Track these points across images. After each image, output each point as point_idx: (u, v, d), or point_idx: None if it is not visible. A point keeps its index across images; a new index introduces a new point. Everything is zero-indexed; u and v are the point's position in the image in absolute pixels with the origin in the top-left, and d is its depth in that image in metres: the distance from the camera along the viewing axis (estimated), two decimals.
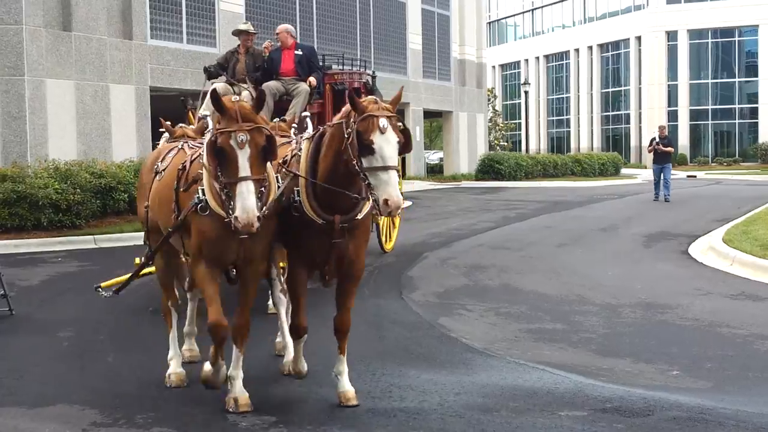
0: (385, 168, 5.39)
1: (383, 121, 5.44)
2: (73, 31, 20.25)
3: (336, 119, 5.85)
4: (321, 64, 12.67)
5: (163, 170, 6.61)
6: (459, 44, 38.86)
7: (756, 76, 58.99)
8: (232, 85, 11.40)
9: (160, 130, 7.90)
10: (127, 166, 19.13)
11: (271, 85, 11.44)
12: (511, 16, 76.61)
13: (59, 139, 19.62)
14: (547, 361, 7.24)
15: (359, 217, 5.91)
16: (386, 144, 5.42)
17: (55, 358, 7.68)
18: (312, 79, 11.71)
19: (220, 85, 10.99)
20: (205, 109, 10.20)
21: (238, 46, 12.09)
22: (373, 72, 9.74)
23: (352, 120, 5.54)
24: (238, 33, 12.30)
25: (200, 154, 5.88)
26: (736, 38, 60.13)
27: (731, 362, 7.35)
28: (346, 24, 30.59)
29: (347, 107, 5.67)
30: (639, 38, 61.82)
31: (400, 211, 5.57)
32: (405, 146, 5.60)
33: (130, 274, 7.70)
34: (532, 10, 74.04)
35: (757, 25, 57.97)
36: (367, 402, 6.06)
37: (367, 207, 5.87)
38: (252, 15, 24.88)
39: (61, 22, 20.18)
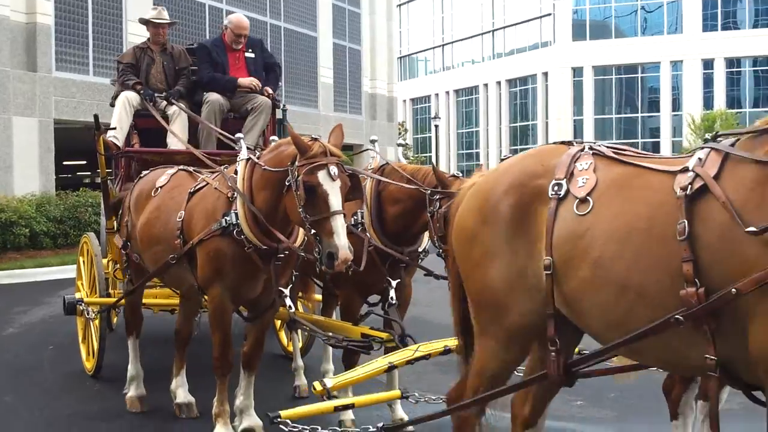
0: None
1: None
2: None
3: None
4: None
5: None
6: (370, 78, 39.10)
7: (658, 111, 60.80)
8: (150, 100, 8.42)
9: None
10: (29, 200, 18.67)
11: (213, 99, 8.49)
12: (422, 51, 77.52)
13: None
14: None
15: None
16: None
17: None
18: (269, 90, 8.80)
19: (131, 94, 8.48)
20: (115, 131, 8.25)
21: (148, 40, 9.02)
22: (284, 105, 9.25)
23: None
24: (146, 23, 9.09)
25: None
26: (639, 74, 61.92)
27: (632, 391, 7.45)
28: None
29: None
30: (546, 74, 63.17)
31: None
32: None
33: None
34: (443, 45, 75.09)
35: (659, 62, 59.84)
36: None
37: None
38: None
39: None
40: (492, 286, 3.81)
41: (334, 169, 5.07)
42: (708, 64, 58.48)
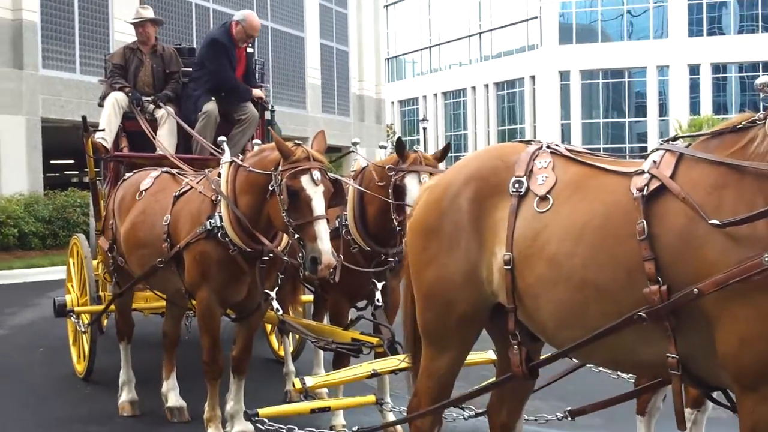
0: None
1: None
2: None
3: None
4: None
5: None
6: (358, 80, 39.10)
7: (645, 116, 60.92)
8: (138, 104, 8.29)
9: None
10: (17, 199, 18.61)
11: (210, 109, 8.20)
12: (410, 52, 77.45)
13: None
14: None
15: None
16: None
17: None
18: (259, 93, 8.63)
19: (120, 95, 8.34)
20: (104, 133, 8.11)
21: (137, 41, 8.81)
22: (272, 106, 9.19)
23: None
24: (134, 25, 8.86)
25: None
26: (626, 79, 62.02)
27: None
28: None
29: None
30: (533, 77, 63.21)
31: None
32: None
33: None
34: (430, 47, 75.02)
35: (645, 67, 59.97)
36: None
37: None
38: None
39: None
40: (447, 278, 3.83)
41: (317, 174, 5.16)
42: (694, 69, 58.66)
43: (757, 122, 3.15)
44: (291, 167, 5.16)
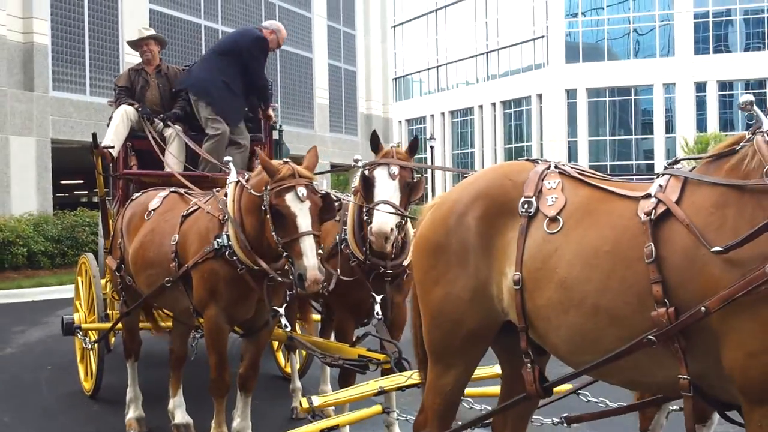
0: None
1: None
2: None
3: None
4: None
5: None
6: (366, 99, 39.21)
7: (651, 133, 60.92)
8: (148, 119, 8.29)
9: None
10: (27, 219, 18.69)
11: (224, 129, 8.24)
12: (417, 72, 77.68)
13: None
14: None
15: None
16: None
17: None
18: (271, 114, 8.93)
19: (130, 108, 8.34)
20: (111, 140, 8.07)
21: (142, 61, 8.87)
22: (280, 126, 9.24)
23: None
24: (137, 44, 8.93)
25: None
26: (632, 97, 62.05)
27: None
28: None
29: None
30: (540, 96, 63.30)
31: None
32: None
33: None
34: (437, 66, 75.26)
35: (652, 85, 60.02)
36: None
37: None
38: None
39: None
40: (455, 296, 3.81)
41: (302, 191, 5.16)
42: (700, 86, 58.69)
43: (748, 141, 3.23)
44: (276, 186, 5.19)
